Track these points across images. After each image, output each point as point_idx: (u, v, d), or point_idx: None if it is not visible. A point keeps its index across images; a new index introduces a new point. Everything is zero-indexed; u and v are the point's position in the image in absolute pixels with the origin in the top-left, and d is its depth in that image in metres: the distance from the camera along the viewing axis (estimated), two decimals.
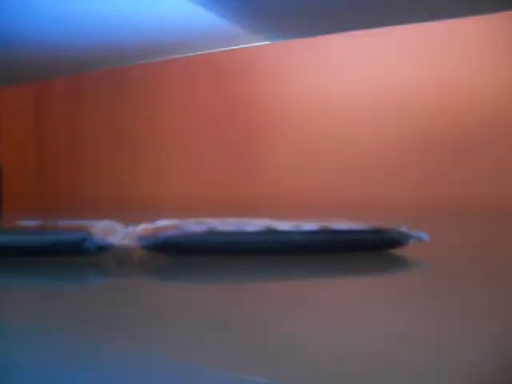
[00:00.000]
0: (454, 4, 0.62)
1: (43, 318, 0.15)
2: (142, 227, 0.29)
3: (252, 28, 0.71)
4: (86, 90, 1.07)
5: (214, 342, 0.13)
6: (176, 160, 0.95)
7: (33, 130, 1.14)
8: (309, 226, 0.27)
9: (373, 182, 0.78)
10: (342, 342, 0.13)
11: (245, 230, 0.27)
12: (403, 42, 0.76)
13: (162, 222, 0.29)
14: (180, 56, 0.88)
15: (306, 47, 0.83)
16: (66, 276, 0.22)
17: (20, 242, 0.26)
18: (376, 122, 0.78)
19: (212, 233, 0.26)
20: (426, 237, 0.28)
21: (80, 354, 0.12)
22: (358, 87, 0.79)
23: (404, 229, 0.28)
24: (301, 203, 0.82)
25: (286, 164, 0.84)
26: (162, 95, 0.97)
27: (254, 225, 0.27)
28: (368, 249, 0.28)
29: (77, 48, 0.80)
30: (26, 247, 0.26)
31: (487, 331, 0.13)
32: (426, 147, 0.74)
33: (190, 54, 0.87)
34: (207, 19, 0.67)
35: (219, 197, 0.90)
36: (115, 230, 0.29)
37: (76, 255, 0.26)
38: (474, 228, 0.45)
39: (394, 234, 0.28)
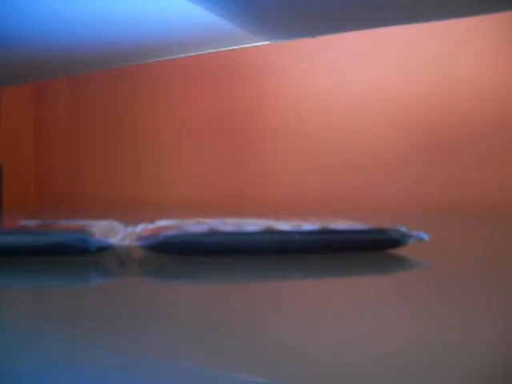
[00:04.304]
0: (454, 4, 0.62)
1: (43, 318, 0.15)
2: (142, 227, 0.29)
3: (252, 28, 0.71)
4: (86, 90, 1.07)
5: (213, 341, 0.13)
6: (176, 160, 0.95)
7: (33, 129, 1.14)
8: (309, 226, 0.27)
9: (373, 182, 0.78)
10: (342, 342, 0.13)
11: (245, 230, 0.27)
12: (403, 43, 0.76)
13: (162, 222, 0.29)
14: (180, 56, 0.88)
15: (305, 47, 0.83)
16: (66, 276, 0.22)
17: (20, 241, 0.26)
18: (376, 122, 0.78)
19: (212, 233, 0.26)
20: (426, 237, 0.28)
21: (80, 353, 0.12)
22: (358, 87, 0.79)
23: (404, 229, 0.28)
24: (301, 203, 0.82)
25: (286, 164, 0.84)
26: (162, 95, 0.97)
27: (254, 225, 0.27)
28: (368, 249, 0.28)
29: (77, 48, 0.80)
30: (26, 247, 0.26)
31: (487, 331, 0.13)
32: (426, 147, 0.74)
33: (190, 54, 0.87)
34: (207, 19, 0.67)
35: (219, 197, 0.90)
36: (115, 230, 0.29)
37: (76, 255, 0.26)
38: (473, 228, 0.45)
39: (394, 234, 0.28)
